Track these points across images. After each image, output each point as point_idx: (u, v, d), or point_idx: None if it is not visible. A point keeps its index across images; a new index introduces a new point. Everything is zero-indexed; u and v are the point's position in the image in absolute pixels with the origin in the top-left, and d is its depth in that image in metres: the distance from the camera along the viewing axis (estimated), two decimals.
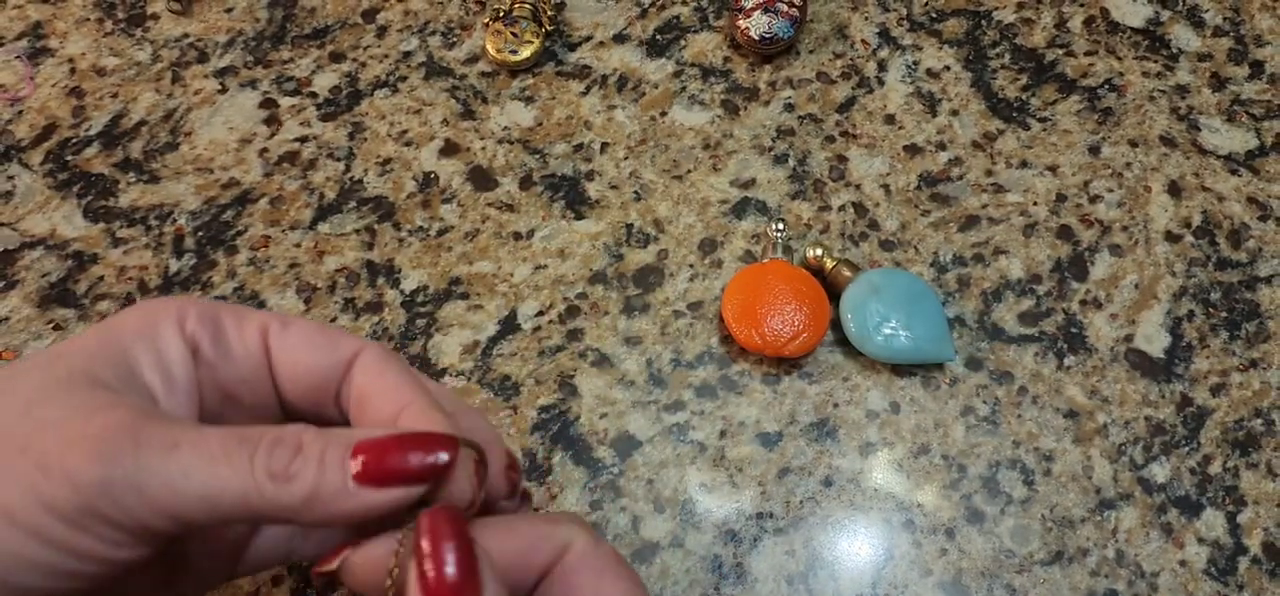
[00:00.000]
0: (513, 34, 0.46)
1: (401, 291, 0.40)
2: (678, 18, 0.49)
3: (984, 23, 0.48)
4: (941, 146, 0.44)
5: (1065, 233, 0.41)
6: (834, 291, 0.39)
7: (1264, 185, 0.42)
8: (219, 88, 0.47)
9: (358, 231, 0.42)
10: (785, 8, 0.45)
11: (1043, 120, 0.45)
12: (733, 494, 0.35)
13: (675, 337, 0.39)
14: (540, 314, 0.40)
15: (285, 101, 0.46)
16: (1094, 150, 0.44)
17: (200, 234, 0.42)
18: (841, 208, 0.42)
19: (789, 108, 0.45)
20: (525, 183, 0.43)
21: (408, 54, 0.48)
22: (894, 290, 0.38)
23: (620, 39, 0.48)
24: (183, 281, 0.41)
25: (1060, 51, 0.47)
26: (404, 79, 0.47)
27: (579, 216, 0.42)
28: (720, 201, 0.42)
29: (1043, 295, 0.40)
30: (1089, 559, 0.34)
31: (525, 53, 0.46)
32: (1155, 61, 0.46)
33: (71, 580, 0.20)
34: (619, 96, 0.46)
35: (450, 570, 0.20)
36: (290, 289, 0.41)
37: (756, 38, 0.45)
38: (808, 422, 0.37)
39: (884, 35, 0.48)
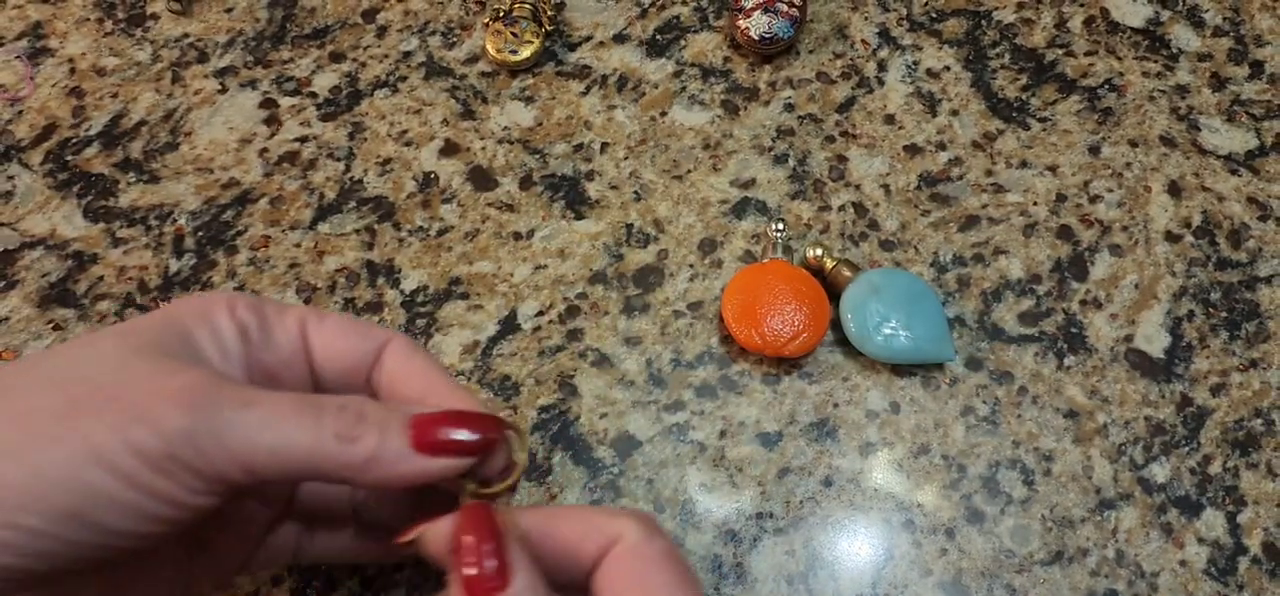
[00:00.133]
0: (513, 34, 0.46)
1: (401, 291, 0.40)
2: (678, 18, 0.49)
3: (984, 23, 0.48)
4: (941, 146, 0.44)
5: (1065, 233, 0.41)
6: (834, 291, 0.39)
7: (1264, 185, 0.42)
8: (219, 88, 0.47)
9: (358, 231, 0.42)
10: (785, 8, 0.45)
11: (1043, 120, 0.45)
12: (733, 494, 0.35)
13: (675, 337, 0.39)
14: (540, 314, 0.40)
15: (285, 101, 0.46)
16: (1094, 150, 0.44)
17: (200, 234, 0.42)
18: (841, 208, 0.42)
19: (789, 108, 0.45)
20: (525, 183, 0.43)
21: (408, 54, 0.48)
22: (894, 290, 0.38)
23: (620, 39, 0.48)
24: (183, 281, 0.41)
25: (1060, 51, 0.47)
26: (404, 79, 0.47)
27: (579, 216, 0.42)
28: (720, 201, 0.42)
29: (1043, 295, 0.40)
30: (1089, 559, 0.34)
31: (525, 53, 0.46)
32: (1155, 61, 0.46)
33: (147, 523, 0.22)
34: (619, 96, 0.46)
35: (489, 563, 0.22)
36: (290, 289, 0.41)
37: (756, 38, 0.45)
38: (808, 422, 0.37)
39: (884, 35, 0.48)
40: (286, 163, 0.44)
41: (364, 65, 0.47)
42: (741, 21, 0.46)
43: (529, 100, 0.46)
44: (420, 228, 0.42)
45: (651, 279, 0.40)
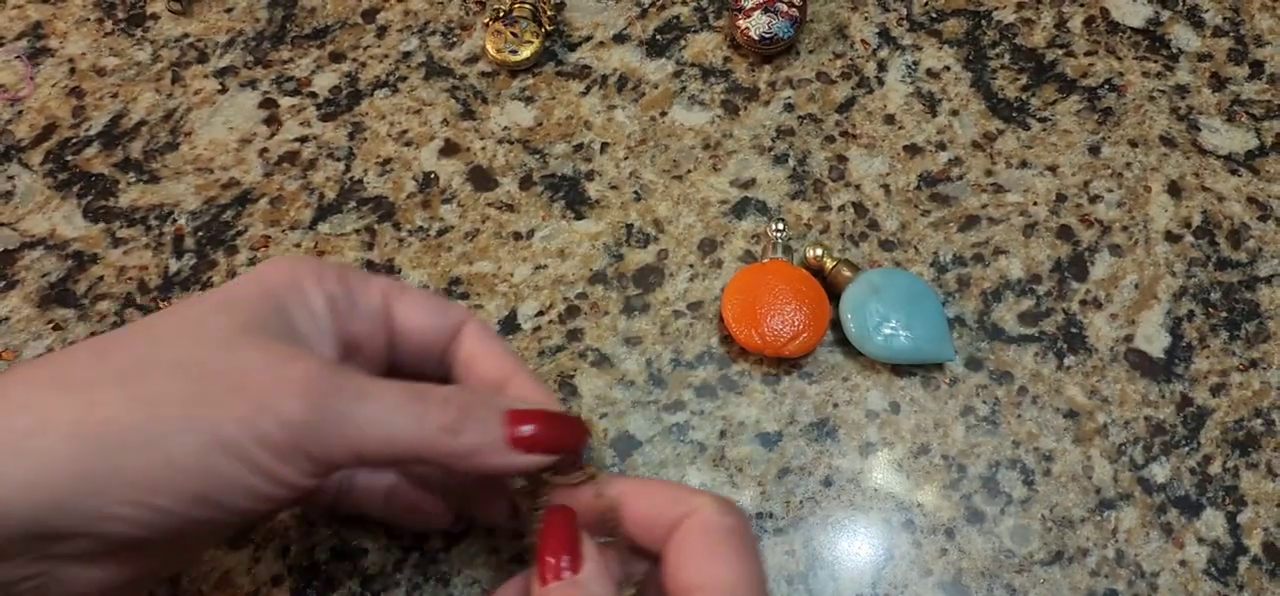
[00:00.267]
0: (513, 34, 0.46)
1: None
2: (678, 18, 0.49)
3: (984, 23, 0.48)
4: (941, 146, 0.44)
5: (1065, 233, 0.41)
6: (834, 291, 0.39)
7: (1264, 185, 0.42)
8: (219, 88, 0.47)
9: (358, 231, 0.42)
10: (785, 8, 0.45)
11: (1043, 120, 0.45)
12: (732, 494, 0.35)
13: (675, 337, 0.39)
14: (540, 314, 0.40)
15: (285, 101, 0.46)
16: (1094, 150, 0.44)
17: (200, 234, 0.42)
18: (841, 208, 0.42)
19: (789, 108, 0.45)
20: (525, 183, 0.43)
21: (408, 54, 0.48)
22: (894, 290, 0.38)
23: (620, 39, 0.48)
24: (183, 281, 0.41)
25: (1060, 51, 0.47)
26: (404, 79, 0.47)
27: (579, 216, 0.42)
28: (720, 201, 0.42)
29: (1043, 295, 0.40)
30: (1089, 559, 0.34)
31: (525, 53, 0.46)
32: (1155, 61, 0.46)
33: (261, 502, 0.24)
34: (619, 96, 0.46)
35: (564, 561, 0.25)
36: None
37: (756, 38, 0.45)
38: (807, 422, 0.37)
39: (884, 35, 0.48)
40: (286, 163, 0.44)
41: (364, 65, 0.47)
42: (741, 21, 0.46)
43: (529, 100, 0.46)
44: (420, 228, 0.42)
45: (651, 279, 0.40)
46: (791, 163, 0.43)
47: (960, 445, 0.36)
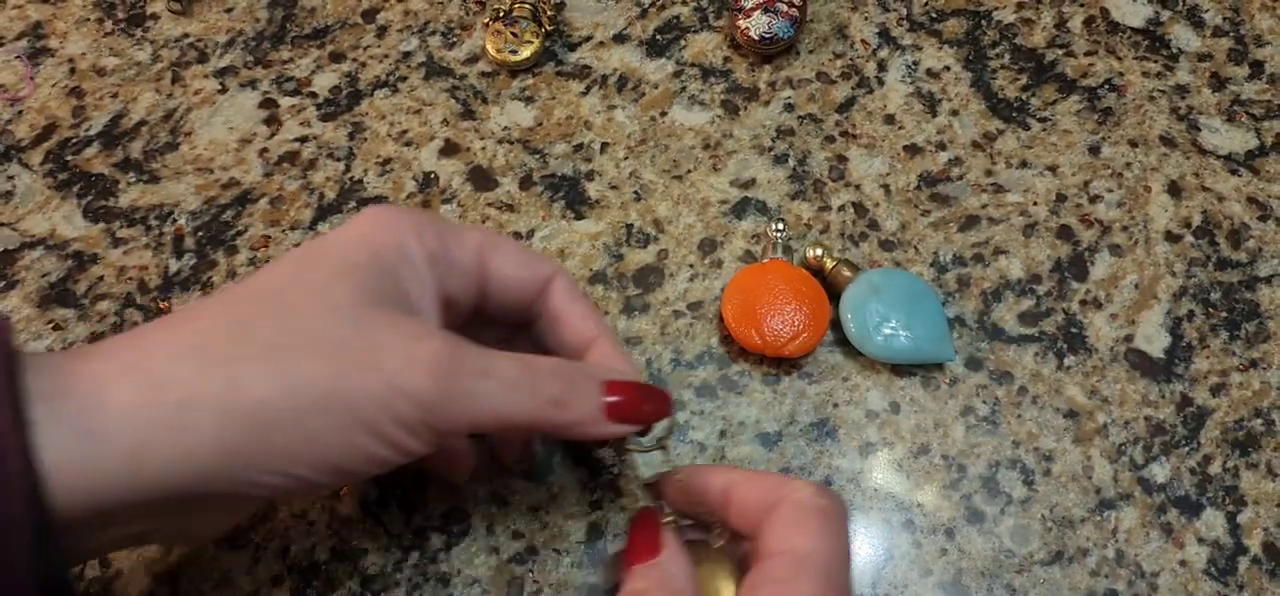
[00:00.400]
0: (513, 34, 0.46)
1: None
2: (678, 18, 0.49)
3: (984, 23, 0.48)
4: (941, 146, 0.44)
5: (1065, 233, 0.41)
6: (834, 291, 0.39)
7: (1264, 185, 0.42)
8: (219, 88, 0.47)
9: None
10: (785, 8, 0.45)
11: (1043, 120, 0.45)
12: None
13: (675, 337, 0.39)
14: None
15: (285, 101, 0.46)
16: (1094, 150, 0.44)
17: (200, 234, 0.42)
18: (841, 208, 0.42)
19: (789, 108, 0.45)
20: (525, 183, 0.43)
21: (408, 54, 0.48)
22: (894, 290, 0.38)
23: (620, 39, 0.48)
24: (183, 281, 0.41)
25: (1060, 51, 0.47)
26: (404, 79, 0.47)
27: (579, 216, 0.42)
28: (720, 201, 0.42)
29: (1043, 295, 0.40)
30: (1089, 559, 0.34)
31: (525, 53, 0.46)
32: (1155, 61, 0.46)
33: (382, 467, 0.26)
34: (619, 96, 0.46)
35: (646, 548, 0.28)
36: None
37: (756, 38, 0.45)
38: (808, 422, 0.37)
39: (884, 35, 0.48)
40: (286, 163, 0.44)
41: (364, 65, 0.47)
42: (741, 21, 0.46)
43: (529, 100, 0.46)
44: None
45: (651, 279, 0.40)
46: (791, 163, 0.43)
47: (960, 445, 0.36)
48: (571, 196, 0.43)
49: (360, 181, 0.44)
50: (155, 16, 0.50)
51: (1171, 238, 0.41)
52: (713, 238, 0.41)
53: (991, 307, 0.39)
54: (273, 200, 0.43)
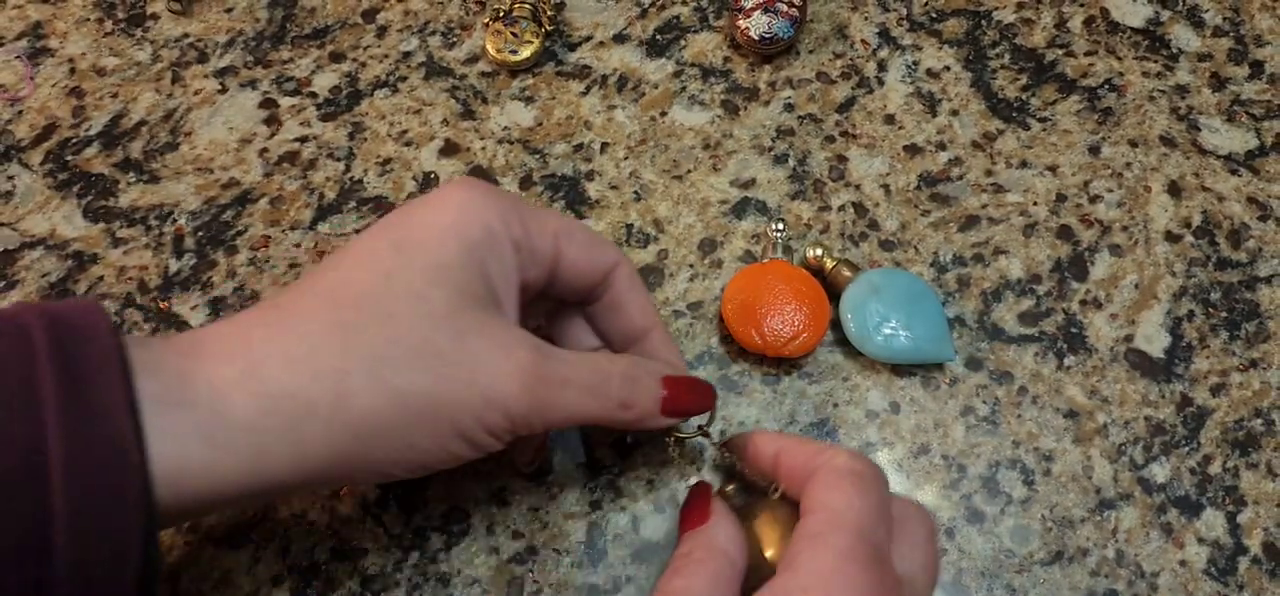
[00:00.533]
0: (513, 34, 0.46)
1: None
2: (678, 18, 0.49)
3: (984, 23, 0.48)
4: (941, 146, 0.44)
5: (1065, 233, 0.41)
6: (834, 291, 0.39)
7: (1264, 185, 0.42)
8: (219, 88, 0.47)
9: (358, 231, 0.42)
10: (785, 8, 0.45)
11: (1043, 120, 0.45)
12: None
13: (675, 338, 0.39)
14: None
15: (285, 101, 0.46)
16: (1094, 150, 0.44)
17: (200, 234, 0.42)
18: (841, 208, 0.42)
19: (789, 108, 0.45)
20: (525, 183, 0.43)
21: (408, 54, 0.48)
22: (894, 290, 0.38)
23: (620, 39, 0.48)
24: (183, 281, 0.41)
25: (1060, 51, 0.47)
26: (404, 79, 0.47)
27: (579, 216, 0.42)
28: (720, 201, 0.42)
29: (1043, 295, 0.40)
30: (1089, 559, 0.34)
31: (525, 53, 0.46)
32: (1155, 61, 0.46)
33: (458, 462, 0.27)
34: (619, 96, 0.46)
35: (697, 516, 0.29)
36: None
37: (756, 38, 0.45)
38: (808, 422, 0.37)
39: (884, 35, 0.48)
40: (286, 163, 0.44)
41: (364, 65, 0.47)
42: (741, 21, 0.46)
43: (529, 100, 0.46)
44: None
45: (651, 279, 0.40)
46: (791, 163, 0.43)
47: (960, 445, 0.36)
48: (571, 196, 0.43)
49: (360, 181, 0.44)
50: (155, 16, 0.50)
51: (1171, 238, 0.41)
52: (713, 238, 0.41)
53: (991, 308, 0.39)
54: (273, 200, 0.43)
